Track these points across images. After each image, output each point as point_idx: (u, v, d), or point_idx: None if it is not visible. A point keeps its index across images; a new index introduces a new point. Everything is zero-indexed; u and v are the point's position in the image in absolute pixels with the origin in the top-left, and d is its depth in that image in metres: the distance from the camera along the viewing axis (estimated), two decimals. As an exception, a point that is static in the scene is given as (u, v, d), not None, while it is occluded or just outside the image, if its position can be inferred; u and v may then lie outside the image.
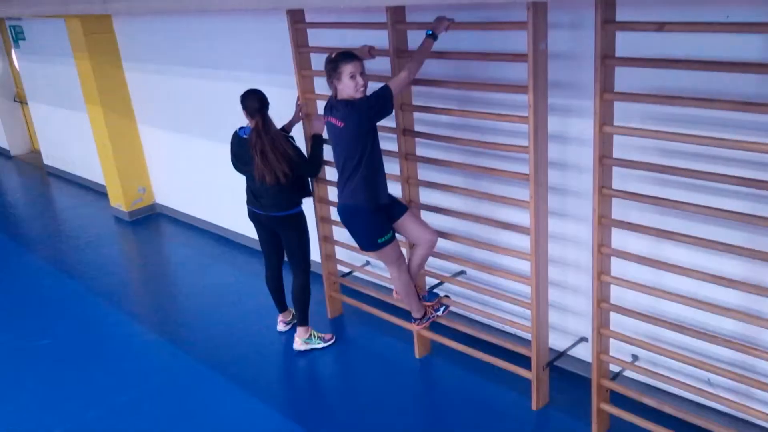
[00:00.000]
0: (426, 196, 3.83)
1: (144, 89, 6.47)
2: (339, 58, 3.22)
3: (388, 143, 3.87)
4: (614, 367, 3.31)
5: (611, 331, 3.14)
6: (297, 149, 3.89)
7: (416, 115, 3.65)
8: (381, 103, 3.17)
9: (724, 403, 2.91)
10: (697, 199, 2.81)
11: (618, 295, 3.16)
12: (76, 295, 5.40)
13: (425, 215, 3.82)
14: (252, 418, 3.70)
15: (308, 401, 3.91)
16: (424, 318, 3.69)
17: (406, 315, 4.07)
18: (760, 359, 2.71)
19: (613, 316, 3.16)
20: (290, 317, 4.47)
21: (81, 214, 7.45)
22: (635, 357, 3.41)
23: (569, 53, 3.12)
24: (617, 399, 3.28)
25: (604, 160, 2.80)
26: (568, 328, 3.69)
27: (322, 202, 4.33)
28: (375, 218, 3.36)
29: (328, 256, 4.46)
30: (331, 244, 4.44)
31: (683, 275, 2.80)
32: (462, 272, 4.01)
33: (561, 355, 3.55)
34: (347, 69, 3.19)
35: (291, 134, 4.02)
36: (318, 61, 4.11)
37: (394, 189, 3.91)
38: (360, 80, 3.20)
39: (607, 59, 2.63)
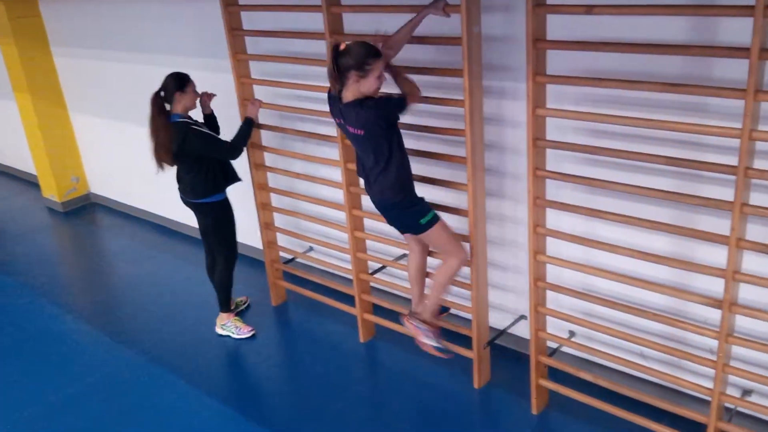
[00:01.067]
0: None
1: (75, 75, 6.23)
2: (372, 53, 2.86)
3: (323, 127, 3.85)
4: (553, 344, 3.40)
5: (548, 309, 3.21)
6: (201, 135, 3.76)
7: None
8: (395, 103, 2.95)
9: (656, 375, 3.02)
10: (627, 178, 2.90)
11: (554, 273, 3.23)
12: (9, 289, 5.21)
13: (364, 199, 3.83)
14: (195, 409, 3.65)
15: (252, 389, 3.88)
16: (422, 326, 3.40)
17: (349, 300, 4.08)
18: (688, 331, 2.81)
19: (550, 294, 3.23)
20: (224, 321, 4.32)
21: (12, 205, 7.17)
22: (572, 333, 3.50)
23: (503, 36, 3.14)
24: (556, 374, 3.37)
25: (538, 142, 2.85)
26: (508, 307, 3.76)
27: (262, 188, 4.27)
28: (414, 203, 3.16)
29: (270, 243, 4.42)
30: (273, 231, 4.40)
31: (614, 252, 2.88)
32: (405, 255, 4.03)
33: (501, 333, 3.62)
34: (378, 66, 2.87)
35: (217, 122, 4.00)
36: (253, 45, 4.06)
37: (334, 173, 3.90)
38: (384, 78, 2.95)
39: (538, 42, 2.66)
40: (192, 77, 3.82)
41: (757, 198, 2.51)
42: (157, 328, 4.46)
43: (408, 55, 3.38)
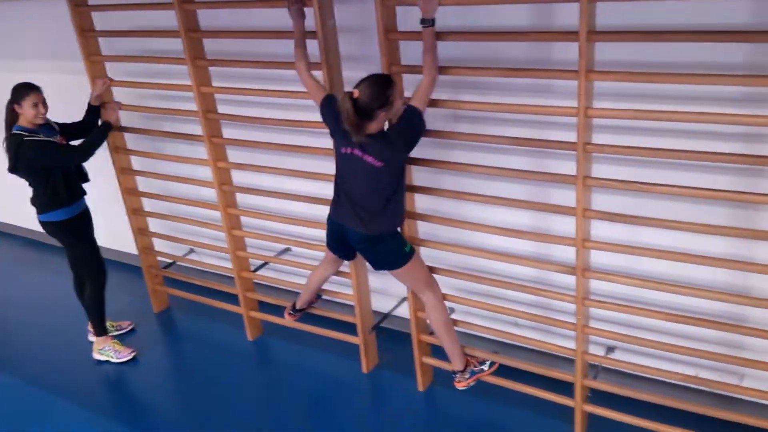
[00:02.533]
0: (238, 177, 3.80)
1: None
2: (387, 82, 2.67)
3: (190, 126, 3.77)
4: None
5: (425, 290, 3.32)
6: (33, 145, 3.47)
7: (217, 96, 3.58)
8: (419, 132, 2.75)
9: (528, 342, 3.21)
10: (486, 159, 3.03)
11: (432, 254, 3.34)
12: None
13: (239, 197, 3.80)
14: (84, 429, 3.52)
15: (140, 404, 3.78)
16: (467, 371, 3.19)
17: (234, 299, 4.04)
18: (550, 298, 3.00)
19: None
20: (102, 346, 4.08)
21: None
22: (452, 310, 3.63)
23: (360, 27, 3.19)
24: (439, 352, 3.50)
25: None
26: (391, 290, 3.83)
27: (131, 193, 4.13)
28: (398, 235, 3.03)
29: (146, 249, 4.29)
30: (148, 236, 4.27)
31: (480, 231, 3.02)
32: (287, 249, 4.04)
33: (385, 317, 3.71)
34: (396, 90, 2.70)
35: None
36: (108, 46, 3.89)
37: (205, 173, 3.83)
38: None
39: (390, 33, 2.73)
40: (45, 81, 3.61)
41: (600, 170, 2.70)
42: (35, 349, 4.23)
43: (266, 49, 3.37)
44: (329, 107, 2.84)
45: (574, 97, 2.45)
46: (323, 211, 3.51)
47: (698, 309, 2.83)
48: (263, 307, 4.05)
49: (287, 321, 3.62)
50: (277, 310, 3.95)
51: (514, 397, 3.26)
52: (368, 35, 3.14)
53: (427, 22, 2.59)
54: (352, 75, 3.21)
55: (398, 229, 3.00)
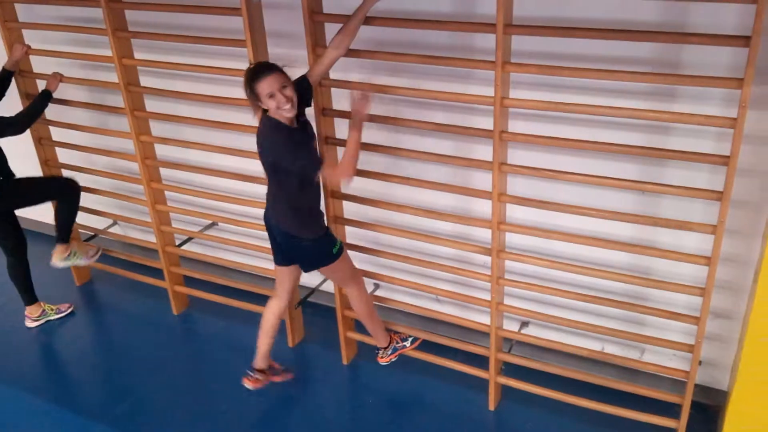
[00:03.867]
0: (164, 151, 3.74)
1: None
2: (252, 76, 2.65)
3: (114, 97, 3.68)
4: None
5: (350, 267, 3.39)
6: None
7: (143, 68, 3.51)
8: None
9: (450, 319, 3.32)
10: (410, 142, 3.08)
11: (358, 233, 3.40)
12: None
13: (165, 171, 3.76)
14: (4, 406, 3.47)
15: (64, 378, 3.74)
16: (390, 347, 3.30)
17: (158, 274, 4.01)
18: (468, 277, 3.12)
19: (354, 251, 3.40)
20: (39, 312, 4.06)
21: None
22: (377, 286, 3.72)
23: (288, 4, 3.16)
24: (362, 326, 3.58)
25: (325, 112, 2.95)
26: (318, 266, 3.90)
27: (51, 166, 4.01)
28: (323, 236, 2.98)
29: (68, 221, 4.19)
30: (70, 208, 4.17)
31: (404, 212, 3.11)
32: (213, 224, 4.02)
33: (312, 292, 3.76)
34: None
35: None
36: (27, 13, 3.74)
37: (126, 144, 3.75)
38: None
39: (314, 15, 2.73)
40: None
41: (519, 156, 2.80)
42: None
43: (194, 21, 3.31)
44: None
45: (493, 84, 2.53)
46: (250, 188, 3.54)
47: (604, 288, 3.00)
48: (189, 281, 4.04)
49: (247, 385, 3.26)
50: (204, 285, 3.96)
51: (434, 370, 3.39)
52: (295, 13, 3.13)
53: None
54: (278, 52, 3.21)
55: (322, 232, 2.94)
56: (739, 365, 2.68)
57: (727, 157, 2.27)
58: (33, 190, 3.73)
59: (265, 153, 2.71)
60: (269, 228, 2.97)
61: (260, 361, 3.22)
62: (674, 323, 2.87)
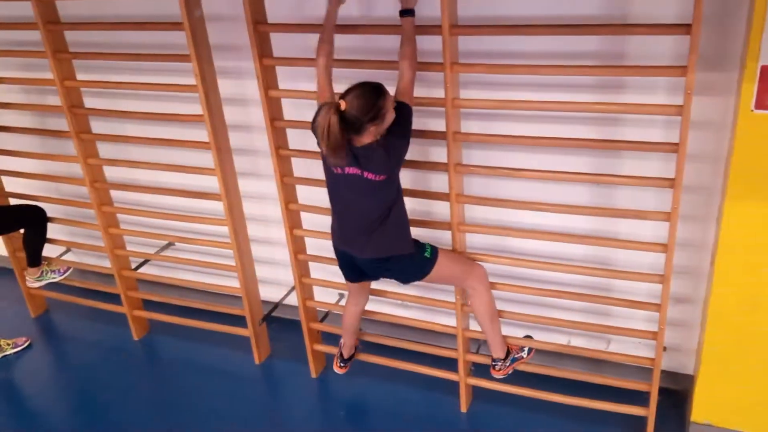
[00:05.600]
0: (112, 173, 3.65)
1: None
2: (379, 92, 2.36)
3: (58, 121, 3.58)
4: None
5: (312, 279, 3.35)
6: None
7: (85, 89, 3.42)
8: (409, 129, 2.48)
9: (416, 323, 3.30)
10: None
11: (318, 243, 3.35)
12: None
13: (115, 194, 3.66)
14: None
15: (27, 411, 3.61)
16: (508, 359, 2.96)
17: (116, 299, 3.90)
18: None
19: (317, 262, 3.36)
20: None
21: None
22: (341, 295, 3.68)
23: (231, 16, 3.11)
24: (329, 337, 3.54)
25: (276, 123, 2.91)
26: (281, 280, 3.83)
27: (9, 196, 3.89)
28: (414, 247, 2.72)
29: (16, 251, 4.04)
30: (19, 238, 4.02)
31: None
32: (170, 244, 3.93)
33: (275, 307, 3.70)
34: (389, 100, 2.39)
35: None
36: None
37: (74, 168, 3.65)
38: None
39: (259, 25, 2.69)
40: None
41: (473, 156, 2.80)
42: None
43: (135, 39, 3.24)
44: None
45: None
46: (204, 205, 3.47)
47: (567, 281, 3.01)
48: (149, 305, 3.94)
49: (340, 372, 3.29)
50: (164, 307, 3.86)
51: (404, 376, 3.36)
52: (239, 24, 3.09)
53: (407, 12, 2.42)
54: (225, 65, 3.16)
55: (412, 242, 2.71)
56: (703, 348, 2.72)
57: (677, 144, 2.30)
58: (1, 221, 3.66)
59: (384, 168, 2.45)
60: (348, 257, 2.74)
61: (348, 351, 3.24)
62: (638, 312, 2.90)
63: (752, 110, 2.26)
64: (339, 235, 2.71)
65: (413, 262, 2.69)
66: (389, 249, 2.62)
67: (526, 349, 3.00)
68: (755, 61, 2.19)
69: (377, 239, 2.58)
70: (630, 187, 2.74)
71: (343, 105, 2.31)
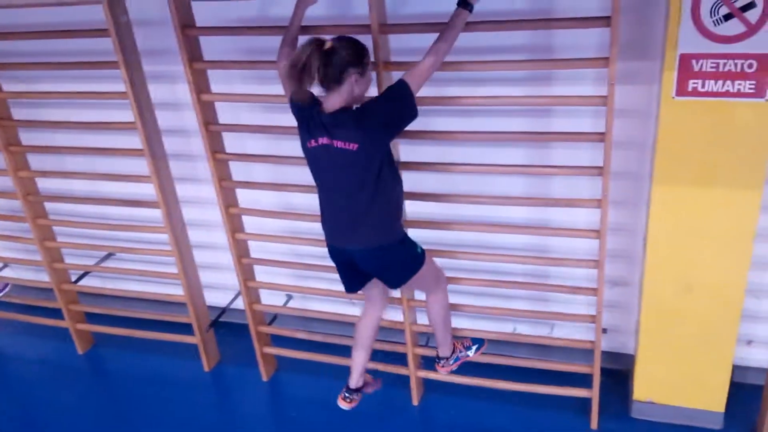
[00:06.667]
0: (48, 184, 3.55)
1: None
2: (362, 47, 2.24)
3: None
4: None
5: (258, 282, 3.33)
6: None
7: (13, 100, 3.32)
8: (404, 111, 2.28)
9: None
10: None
11: (262, 246, 3.33)
12: None
13: (50, 205, 3.56)
14: None
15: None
16: (452, 358, 2.93)
17: (58, 314, 3.80)
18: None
19: (263, 265, 3.34)
20: None
21: None
22: (290, 297, 3.67)
23: (159, 20, 3.05)
24: (278, 339, 3.53)
25: (210, 127, 2.87)
26: (227, 285, 3.79)
27: None
28: (406, 239, 2.57)
29: (-49, 271, 3.91)
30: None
31: (300, 220, 3.08)
32: (110, 255, 3.85)
33: (222, 312, 3.66)
34: (370, 61, 2.28)
35: None
36: None
37: (4, 182, 3.54)
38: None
39: (187, 29, 2.65)
40: None
41: (412, 152, 2.82)
42: None
43: (58, 47, 3.15)
44: (294, 104, 2.39)
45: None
46: (143, 213, 3.41)
47: (509, 271, 3.07)
48: (92, 318, 3.85)
49: (344, 406, 2.91)
50: (108, 319, 3.78)
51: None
52: (169, 28, 3.03)
53: (465, 4, 2.23)
54: (156, 70, 3.10)
55: (403, 232, 2.57)
56: (640, 329, 2.81)
57: (603, 133, 2.37)
58: None
59: (354, 134, 2.26)
60: (342, 255, 2.54)
61: (357, 379, 2.84)
62: (579, 297, 2.98)
63: (673, 97, 2.33)
64: (327, 227, 2.53)
65: (406, 257, 2.53)
66: (378, 238, 2.43)
67: (474, 346, 2.95)
68: (674, 50, 2.26)
69: (364, 226, 2.40)
70: (564, 177, 2.81)
71: (328, 44, 2.18)
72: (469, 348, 2.95)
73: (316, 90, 2.29)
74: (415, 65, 2.25)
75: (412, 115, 2.28)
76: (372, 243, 2.43)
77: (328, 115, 2.26)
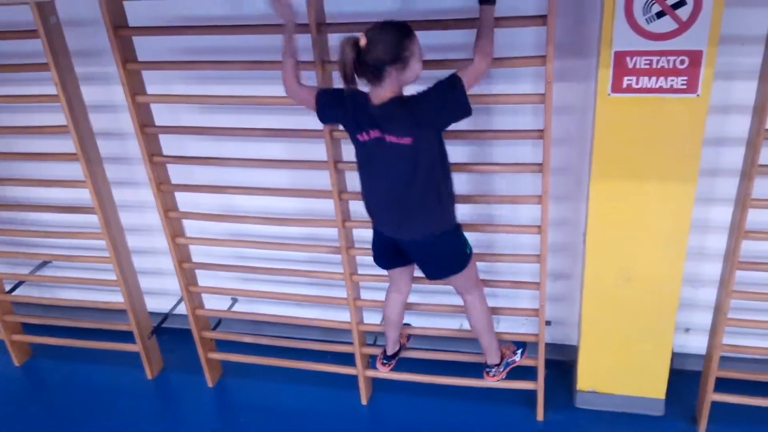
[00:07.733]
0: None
1: None
2: (405, 32, 2.12)
3: None
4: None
5: (200, 287, 3.27)
6: None
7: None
8: (457, 106, 2.19)
9: (311, 322, 3.28)
10: (248, 150, 3.00)
11: (204, 250, 3.27)
12: None
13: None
14: None
15: None
16: (502, 364, 2.88)
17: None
18: (321, 278, 3.09)
19: (205, 269, 3.27)
20: None
21: None
22: (234, 300, 3.61)
23: (90, 20, 2.95)
24: (223, 344, 3.47)
25: (146, 129, 2.80)
26: (168, 290, 3.70)
27: None
28: (458, 231, 2.52)
29: None
30: None
31: (245, 222, 3.03)
32: (46, 263, 3.71)
33: (165, 319, 3.57)
34: (416, 45, 2.14)
35: None
36: None
37: None
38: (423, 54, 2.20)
39: (119, 30, 2.57)
40: None
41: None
42: None
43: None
44: (328, 98, 2.31)
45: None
46: (79, 218, 3.30)
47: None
48: (29, 328, 3.71)
49: (382, 372, 3.07)
50: (46, 330, 3.65)
51: (302, 376, 3.34)
52: (101, 28, 2.93)
53: (488, 0, 2.17)
54: (89, 71, 3.01)
55: (457, 222, 2.50)
56: (582, 320, 2.87)
57: (542, 130, 2.40)
58: None
59: (406, 128, 2.20)
60: (386, 238, 2.51)
61: (392, 347, 2.99)
62: (524, 291, 3.03)
63: (609, 94, 2.38)
64: (375, 216, 2.49)
65: (456, 251, 2.50)
66: (432, 228, 2.39)
67: (519, 351, 2.93)
68: (609, 48, 2.31)
69: (416, 217, 2.35)
70: (506, 173, 2.84)
71: (362, 41, 2.07)
72: (515, 353, 2.92)
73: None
74: (468, 65, 2.19)
75: (467, 112, 2.21)
76: (425, 232, 2.41)
77: (377, 107, 2.19)
